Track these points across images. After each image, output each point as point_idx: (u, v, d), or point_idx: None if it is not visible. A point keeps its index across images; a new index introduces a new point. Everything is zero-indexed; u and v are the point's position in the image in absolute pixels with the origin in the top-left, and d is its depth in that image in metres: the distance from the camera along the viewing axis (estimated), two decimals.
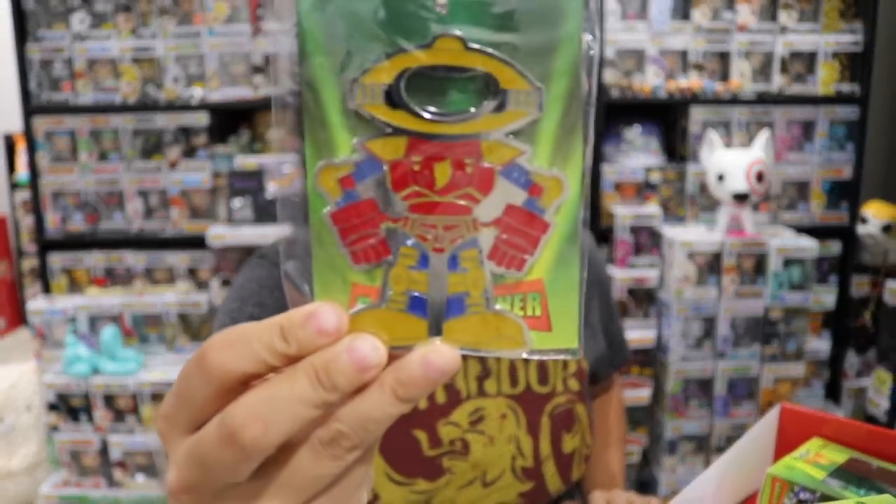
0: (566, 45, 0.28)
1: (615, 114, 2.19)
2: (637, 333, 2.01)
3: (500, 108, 0.29)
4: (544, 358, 0.31)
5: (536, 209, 0.30)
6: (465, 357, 0.83)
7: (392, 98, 0.29)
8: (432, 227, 0.30)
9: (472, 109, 0.29)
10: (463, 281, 0.30)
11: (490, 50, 0.28)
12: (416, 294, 0.30)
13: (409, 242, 0.30)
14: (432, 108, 0.29)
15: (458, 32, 0.28)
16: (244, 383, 0.29)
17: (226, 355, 0.29)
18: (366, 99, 0.29)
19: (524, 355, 0.31)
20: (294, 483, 0.29)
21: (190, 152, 2.14)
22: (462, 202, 0.29)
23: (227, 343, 0.29)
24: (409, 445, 0.80)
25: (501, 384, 0.84)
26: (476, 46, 0.28)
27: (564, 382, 0.88)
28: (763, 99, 2.12)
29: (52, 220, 2.18)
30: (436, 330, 0.30)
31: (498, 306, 0.30)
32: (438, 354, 0.28)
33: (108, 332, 1.98)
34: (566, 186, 0.30)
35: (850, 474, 0.58)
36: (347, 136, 0.29)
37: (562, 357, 0.31)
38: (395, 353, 0.29)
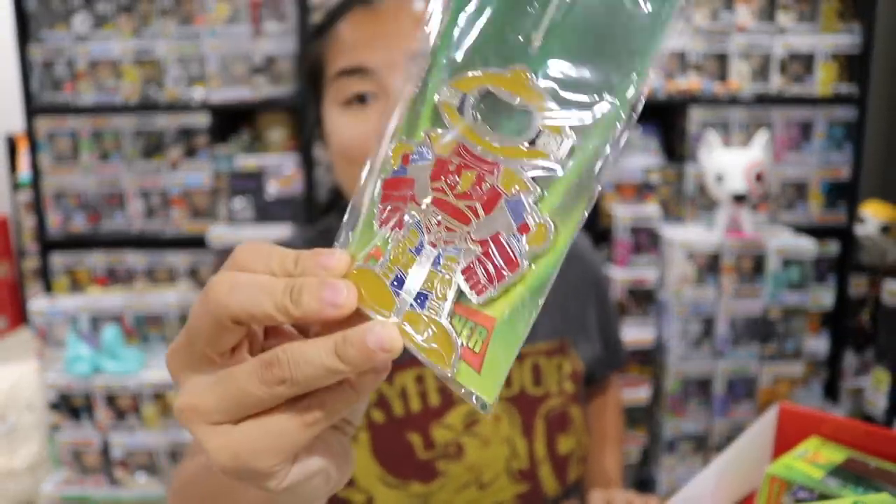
0: (605, 122, 0.31)
1: None
2: (636, 333, 2.02)
3: (532, 142, 0.31)
4: (457, 391, 0.32)
5: (516, 247, 0.31)
6: None
7: (463, 105, 0.32)
8: (438, 223, 0.32)
9: (514, 137, 0.32)
10: (437, 280, 0.32)
11: (545, 92, 0.31)
12: (402, 274, 0.33)
13: (419, 228, 0.33)
14: (485, 124, 0.32)
15: (527, 68, 0.31)
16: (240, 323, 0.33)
17: (248, 256, 0.33)
18: (447, 99, 0.33)
19: (439, 375, 0.32)
20: (229, 385, 0.32)
21: (191, 153, 2.15)
22: (467, 212, 0.32)
23: (255, 249, 0.33)
24: (402, 448, 0.80)
25: None
26: (538, 85, 0.31)
27: (559, 384, 0.87)
28: (762, 100, 2.12)
29: (53, 220, 2.19)
30: (399, 312, 0.32)
31: (447, 321, 0.32)
32: (384, 331, 0.31)
33: (110, 332, 1.98)
34: (550, 237, 0.31)
35: (849, 473, 0.59)
36: (428, 124, 0.33)
37: (472, 403, 0.32)
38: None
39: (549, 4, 0.31)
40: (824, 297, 2.12)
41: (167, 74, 2.11)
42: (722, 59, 2.11)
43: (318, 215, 1.00)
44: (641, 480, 2.14)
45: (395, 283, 0.33)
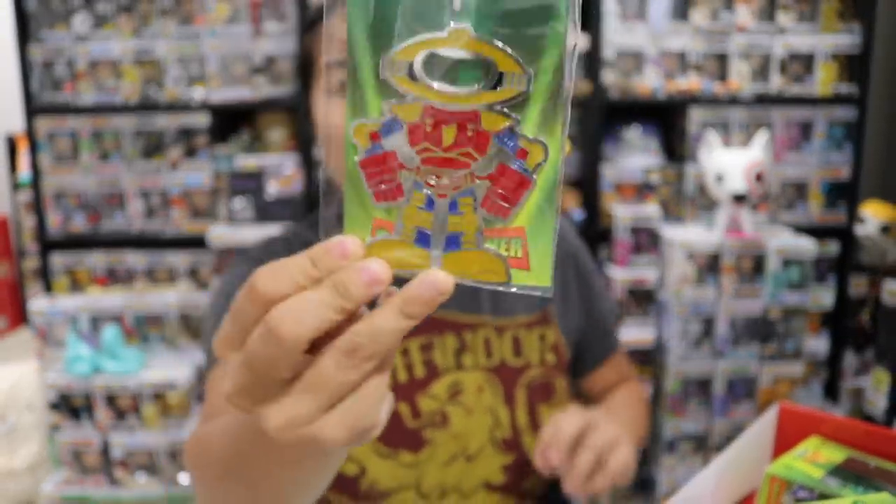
0: (553, 41, 0.34)
1: (614, 114, 2.19)
2: (636, 333, 2.02)
3: (496, 86, 0.35)
4: (522, 292, 0.36)
5: (522, 169, 0.35)
6: (442, 331, 0.87)
7: (413, 72, 0.35)
8: (438, 176, 0.36)
9: (476, 86, 0.35)
10: (460, 222, 0.36)
11: (491, 40, 0.34)
12: (423, 230, 0.36)
13: (420, 188, 0.36)
14: (443, 83, 0.35)
15: (466, 24, 0.34)
16: None
17: (270, 281, 0.35)
18: (394, 71, 0.35)
19: (503, 288, 0.36)
20: (321, 385, 0.35)
21: (191, 153, 2.15)
22: (462, 159, 0.36)
23: (272, 272, 0.36)
24: (392, 418, 0.83)
25: (478, 357, 0.87)
26: (481, 36, 0.34)
27: (541, 355, 0.90)
28: (762, 100, 2.12)
29: (53, 220, 2.19)
30: (436, 260, 0.36)
31: (487, 245, 0.36)
32: (436, 277, 0.34)
33: (110, 332, 1.98)
34: (547, 152, 0.35)
35: (849, 473, 0.59)
36: (378, 100, 0.36)
37: (537, 293, 0.36)
38: (403, 277, 0.36)
39: None
40: (824, 297, 2.12)
41: (167, 74, 2.12)
42: (722, 59, 2.11)
43: (313, 207, 1.03)
44: (641, 480, 2.14)
45: (420, 240, 0.36)
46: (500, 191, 0.36)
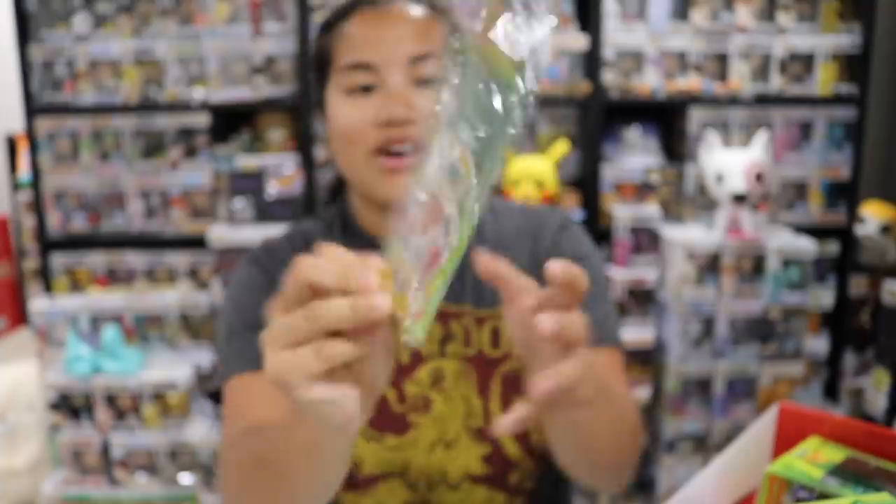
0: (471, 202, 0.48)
1: (614, 114, 2.19)
2: (636, 333, 2.02)
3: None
4: (404, 335, 0.48)
5: (441, 252, 0.48)
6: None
7: None
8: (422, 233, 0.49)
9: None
10: (413, 271, 0.49)
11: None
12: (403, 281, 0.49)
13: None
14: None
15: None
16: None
17: (328, 251, 0.49)
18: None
19: (402, 326, 0.48)
20: (286, 323, 0.47)
21: (191, 153, 2.15)
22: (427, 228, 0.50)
23: (333, 250, 0.49)
24: (379, 403, 0.86)
25: (458, 346, 0.90)
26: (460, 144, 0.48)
27: None
28: (761, 100, 2.12)
29: (53, 220, 2.19)
30: (399, 289, 0.48)
31: (411, 294, 0.48)
32: (382, 298, 0.46)
33: (110, 332, 1.98)
34: (457, 247, 0.48)
35: (849, 473, 0.59)
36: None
37: (410, 340, 0.48)
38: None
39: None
40: (824, 297, 2.12)
41: (167, 74, 2.12)
42: (722, 59, 2.11)
43: (327, 200, 1.05)
44: (641, 481, 2.14)
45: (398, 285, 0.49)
46: (429, 260, 0.48)
